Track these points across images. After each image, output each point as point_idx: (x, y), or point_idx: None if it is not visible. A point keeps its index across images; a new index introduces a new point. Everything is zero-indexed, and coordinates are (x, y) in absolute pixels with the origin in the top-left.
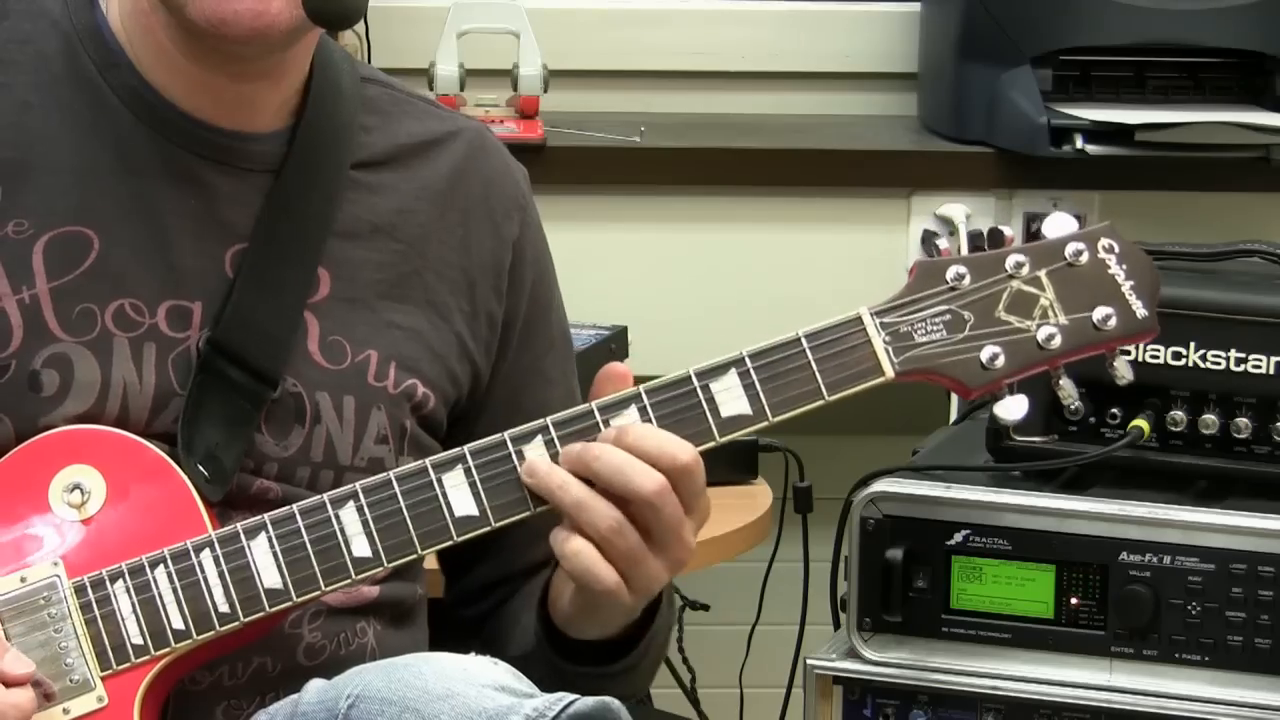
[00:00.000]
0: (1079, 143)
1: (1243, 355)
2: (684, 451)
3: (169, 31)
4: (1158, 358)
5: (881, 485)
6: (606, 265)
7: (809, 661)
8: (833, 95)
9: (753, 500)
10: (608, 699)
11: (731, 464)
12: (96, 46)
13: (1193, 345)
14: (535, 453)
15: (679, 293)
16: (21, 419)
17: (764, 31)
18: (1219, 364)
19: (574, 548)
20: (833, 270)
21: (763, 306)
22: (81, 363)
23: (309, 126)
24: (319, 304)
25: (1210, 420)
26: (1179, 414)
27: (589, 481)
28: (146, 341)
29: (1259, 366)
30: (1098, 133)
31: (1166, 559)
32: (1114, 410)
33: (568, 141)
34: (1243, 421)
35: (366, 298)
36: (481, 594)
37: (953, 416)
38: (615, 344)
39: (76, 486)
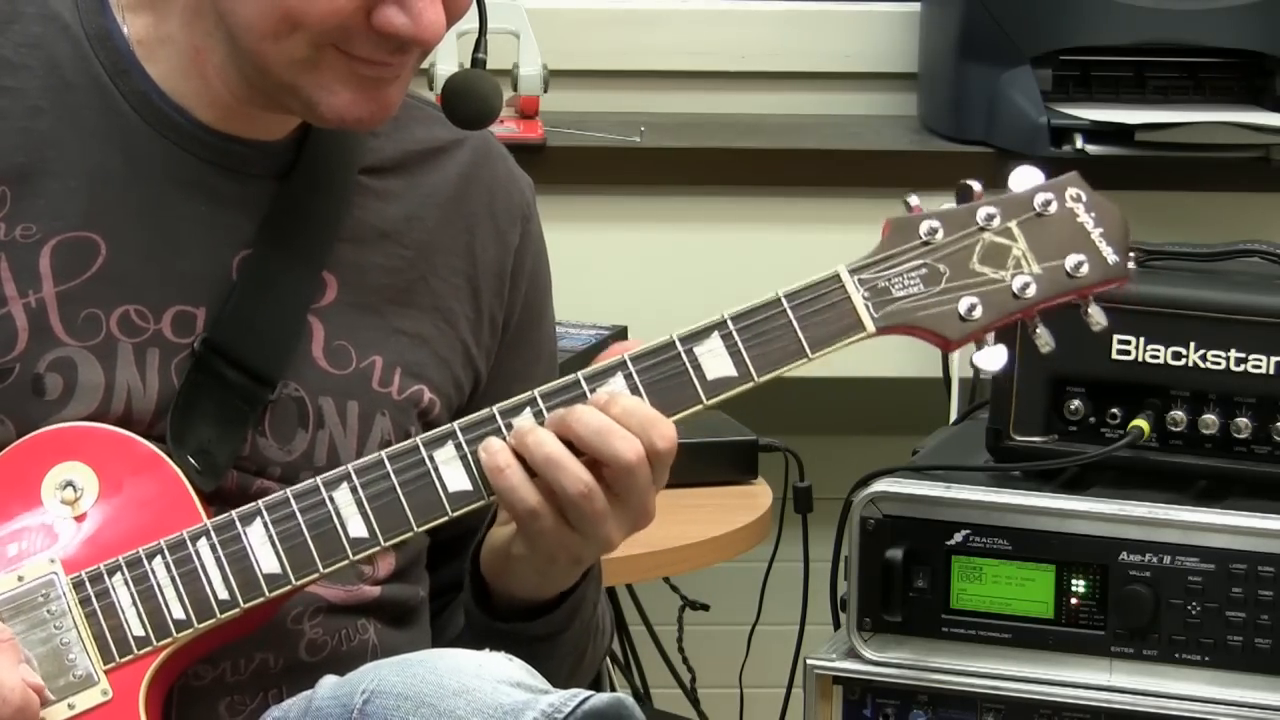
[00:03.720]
0: (1079, 143)
1: (1243, 355)
2: (664, 438)
3: (224, 74)
4: (1158, 358)
5: (881, 485)
6: (606, 265)
7: (809, 661)
8: (833, 95)
9: (753, 500)
10: (622, 696)
11: (731, 464)
12: (108, 51)
13: (1193, 345)
14: (525, 424)
15: (679, 293)
16: (24, 422)
17: (764, 31)
18: (1219, 364)
19: (500, 463)
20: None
21: None
22: (85, 367)
23: (318, 133)
24: (325, 309)
25: (1210, 420)
26: (1179, 414)
27: (569, 445)
28: (150, 347)
29: (1259, 366)
30: (1098, 133)
31: (1166, 559)
32: (1114, 410)
33: (568, 141)
34: (1243, 421)
35: (373, 303)
36: (438, 594)
37: (953, 416)
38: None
39: (69, 483)
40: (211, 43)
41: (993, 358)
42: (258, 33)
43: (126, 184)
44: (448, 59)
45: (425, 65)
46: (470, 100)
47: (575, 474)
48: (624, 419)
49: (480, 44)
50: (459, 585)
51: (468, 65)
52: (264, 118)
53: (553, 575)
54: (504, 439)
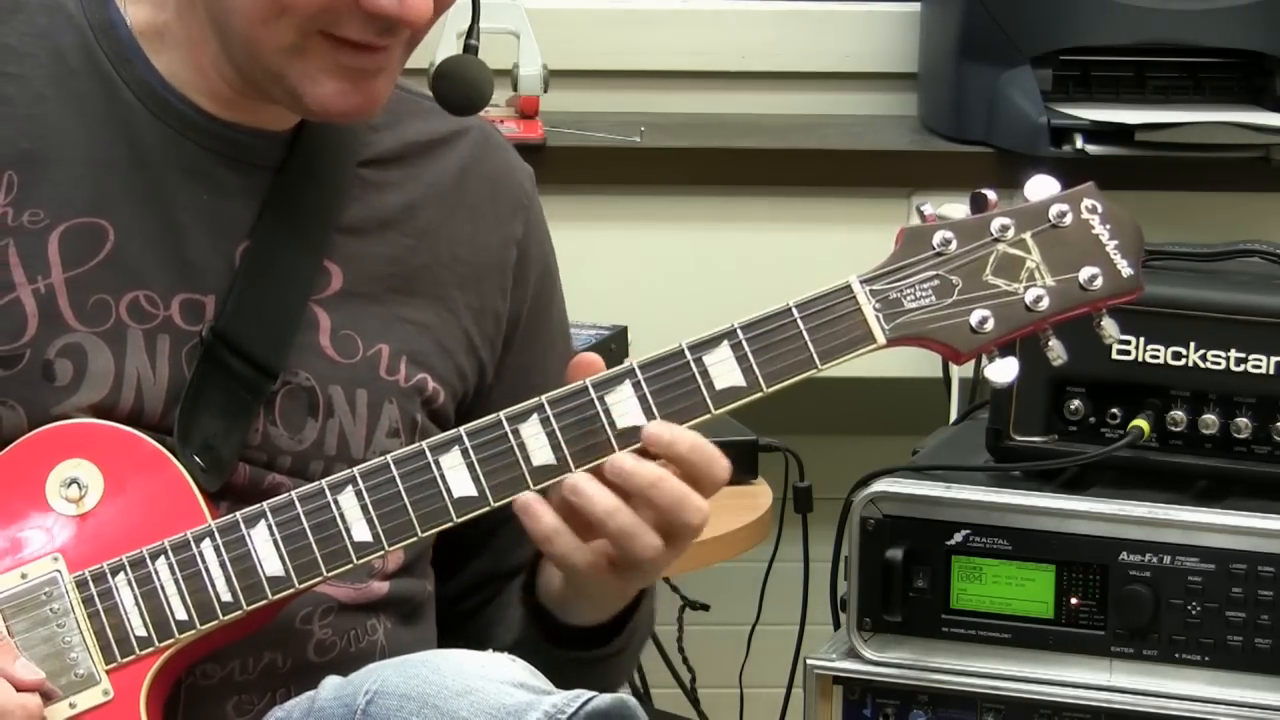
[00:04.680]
0: (1079, 143)
1: (1243, 355)
2: (724, 472)
3: (219, 65)
4: (1158, 358)
5: (881, 485)
6: (606, 265)
7: (809, 661)
8: (833, 95)
9: (753, 500)
10: (624, 696)
11: (732, 464)
12: (111, 41)
13: (1193, 345)
14: (530, 431)
15: (679, 293)
16: (34, 408)
17: (764, 31)
18: (1219, 364)
19: (547, 530)
20: (833, 270)
21: (762, 306)
22: (95, 353)
23: (314, 125)
24: (330, 298)
25: (1210, 420)
26: (1179, 414)
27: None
28: (160, 333)
29: (1259, 366)
30: (1098, 133)
31: (1166, 559)
32: (1114, 410)
33: (568, 141)
34: (1243, 421)
35: (377, 292)
36: (473, 590)
37: (953, 416)
38: (615, 344)
39: (73, 481)
40: (206, 34)
41: (1003, 370)
42: (247, 17)
43: (131, 171)
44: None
45: (425, 64)
46: (460, 85)
47: (649, 542)
48: (686, 458)
49: (473, 30)
50: (494, 577)
51: None
52: (266, 108)
53: (607, 606)
54: (543, 502)
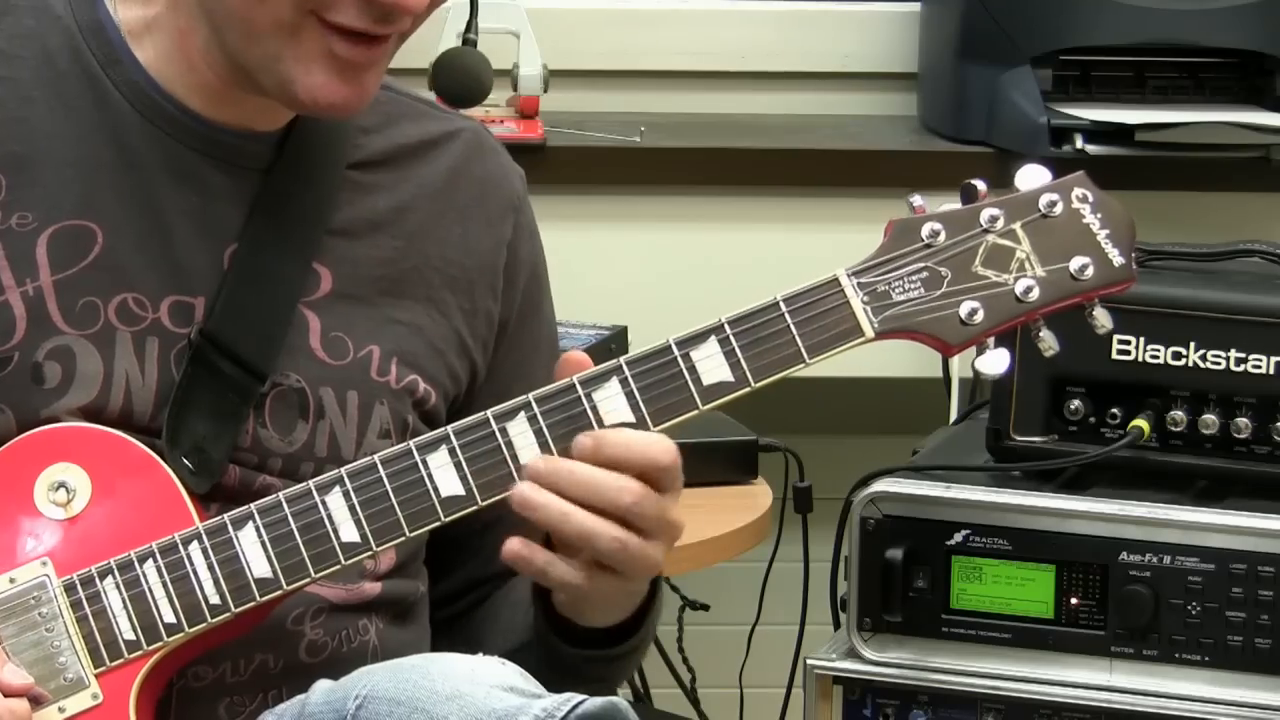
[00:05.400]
0: (1079, 143)
1: (1243, 355)
2: (665, 454)
3: (209, 56)
4: (1158, 358)
5: (881, 485)
6: (606, 265)
7: (809, 661)
8: (833, 95)
9: (753, 500)
10: (615, 699)
11: (731, 464)
12: (100, 42)
13: (1193, 345)
14: (518, 430)
15: (678, 293)
16: (23, 411)
17: (764, 31)
18: (1219, 364)
19: (539, 563)
20: (833, 270)
21: None
22: (84, 356)
23: (303, 127)
24: (320, 300)
25: (1210, 420)
26: (1179, 414)
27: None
28: (149, 336)
29: (1259, 366)
30: (1098, 133)
31: (1166, 559)
32: (1114, 410)
33: (568, 141)
34: (1243, 421)
35: (367, 294)
36: (462, 593)
37: (953, 416)
38: (615, 344)
39: (61, 485)
40: (196, 22)
41: (995, 362)
42: None
43: (120, 173)
44: None
45: (425, 65)
46: (460, 76)
47: (609, 534)
48: (622, 460)
49: (471, 25)
50: (484, 581)
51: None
52: (252, 106)
53: (614, 607)
54: (529, 543)
